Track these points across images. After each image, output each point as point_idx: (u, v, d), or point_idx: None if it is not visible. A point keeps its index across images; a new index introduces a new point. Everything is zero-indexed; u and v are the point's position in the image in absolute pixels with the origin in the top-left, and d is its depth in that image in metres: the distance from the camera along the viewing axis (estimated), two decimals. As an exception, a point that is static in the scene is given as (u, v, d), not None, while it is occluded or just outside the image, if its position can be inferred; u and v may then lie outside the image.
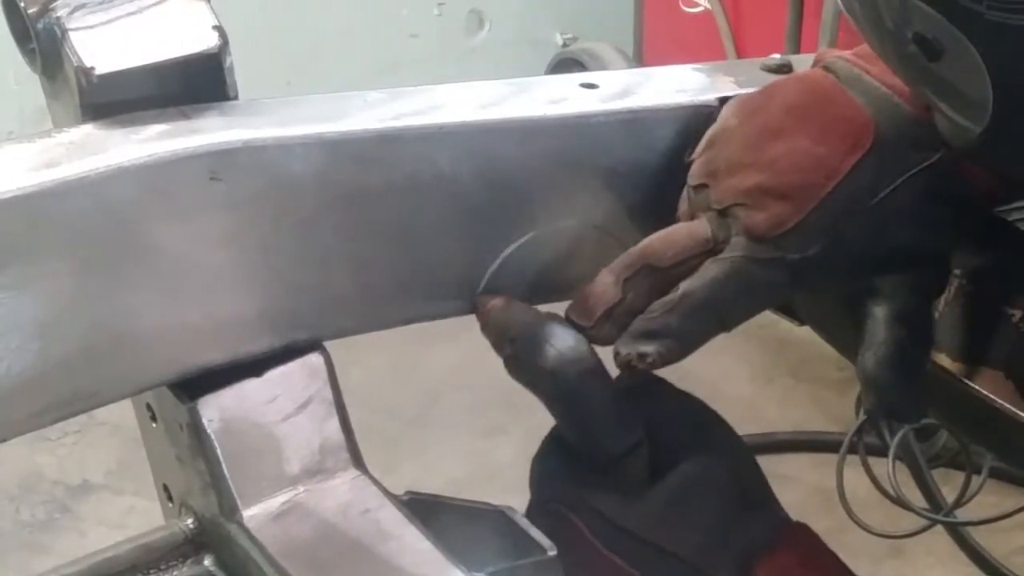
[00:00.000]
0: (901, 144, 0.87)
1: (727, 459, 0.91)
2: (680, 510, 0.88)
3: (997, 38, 0.70)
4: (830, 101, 0.90)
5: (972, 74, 0.72)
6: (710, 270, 0.88)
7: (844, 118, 0.88)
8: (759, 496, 0.92)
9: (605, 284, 0.90)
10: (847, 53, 0.92)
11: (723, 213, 0.89)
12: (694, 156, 0.95)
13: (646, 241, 0.92)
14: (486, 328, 0.93)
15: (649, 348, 0.87)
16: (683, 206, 0.94)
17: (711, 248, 0.89)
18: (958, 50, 0.71)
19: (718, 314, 0.88)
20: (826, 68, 0.93)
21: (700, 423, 0.92)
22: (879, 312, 0.89)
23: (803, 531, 0.91)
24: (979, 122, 0.75)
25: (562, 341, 0.88)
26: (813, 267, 0.87)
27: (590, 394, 0.88)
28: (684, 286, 0.88)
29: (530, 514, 0.92)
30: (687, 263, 0.89)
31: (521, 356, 0.89)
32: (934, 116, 0.83)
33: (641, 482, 0.88)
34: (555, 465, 0.92)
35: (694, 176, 0.93)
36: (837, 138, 0.88)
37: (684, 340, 0.88)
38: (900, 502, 1.01)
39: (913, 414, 0.91)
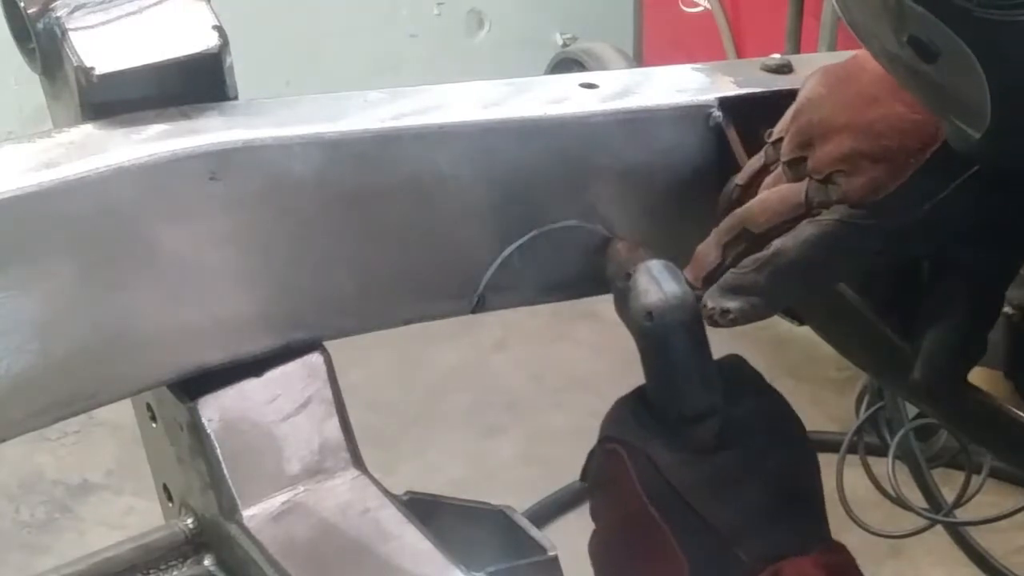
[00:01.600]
0: None
1: (791, 459, 0.91)
2: (730, 486, 0.88)
3: (989, 36, 0.69)
4: None
5: (969, 76, 0.71)
6: (804, 231, 0.88)
7: None
8: (809, 503, 0.92)
9: (709, 247, 0.92)
10: None
11: (823, 180, 0.89)
12: (777, 134, 0.94)
13: (746, 205, 0.92)
14: (610, 264, 0.95)
15: (733, 304, 0.88)
16: (779, 183, 0.94)
17: (805, 212, 0.89)
18: (953, 51, 0.70)
19: (806, 276, 0.88)
20: None
21: (778, 419, 0.92)
22: (961, 293, 0.88)
23: (840, 550, 0.91)
24: (979, 127, 0.74)
25: (670, 287, 0.90)
26: (907, 234, 0.87)
27: (681, 345, 0.90)
28: (777, 243, 0.88)
29: (592, 453, 0.94)
30: (781, 228, 0.89)
31: (630, 291, 0.91)
32: (943, 123, 0.82)
33: (704, 448, 0.89)
34: (629, 412, 0.92)
35: (788, 151, 0.92)
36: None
37: (770, 299, 0.88)
38: (900, 502, 1.01)
39: (954, 398, 0.91)
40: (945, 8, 0.69)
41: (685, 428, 0.90)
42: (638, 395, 0.93)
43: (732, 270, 0.89)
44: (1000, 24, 0.68)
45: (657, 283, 0.90)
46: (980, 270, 0.89)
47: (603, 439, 0.93)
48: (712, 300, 0.89)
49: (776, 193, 0.92)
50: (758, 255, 0.89)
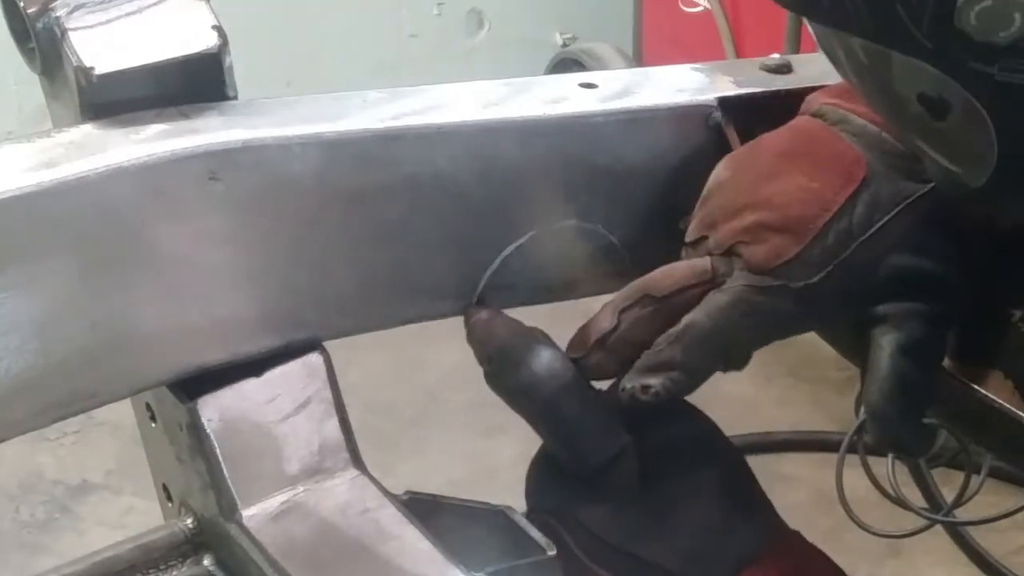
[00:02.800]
0: (894, 175, 0.88)
1: (717, 468, 0.91)
2: (664, 522, 0.89)
3: (1006, 98, 0.70)
4: (820, 141, 0.91)
5: (977, 130, 0.72)
6: (713, 300, 0.88)
7: (835, 155, 0.90)
8: (750, 503, 0.92)
9: (603, 313, 0.92)
10: (832, 98, 0.93)
11: (725, 253, 0.90)
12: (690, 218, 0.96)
13: (647, 275, 0.92)
14: (470, 341, 0.94)
15: (654, 380, 0.87)
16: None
17: (712, 281, 0.89)
18: (965, 108, 0.72)
19: (722, 344, 0.88)
20: (814, 115, 0.94)
21: (691, 430, 0.92)
22: (885, 342, 0.88)
23: (795, 539, 0.91)
24: (979, 177, 0.75)
25: (537, 360, 0.90)
26: (816, 295, 0.88)
27: (566, 410, 0.89)
28: (687, 317, 0.88)
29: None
30: (685, 293, 0.89)
31: (498, 373, 0.90)
32: (924, 163, 0.83)
33: (627, 490, 0.89)
34: (545, 476, 0.93)
35: (691, 232, 0.93)
36: (830, 174, 0.89)
37: (690, 371, 0.88)
38: (899, 502, 1.01)
39: (920, 449, 0.91)
40: (964, 72, 0.70)
41: (601, 476, 0.89)
42: (548, 455, 0.93)
43: (646, 352, 0.89)
44: (1019, 87, 0.69)
45: (522, 358, 0.89)
46: (904, 324, 0.89)
47: (531, 511, 0.92)
48: (630, 380, 0.88)
49: (683, 263, 0.92)
50: (670, 331, 0.88)
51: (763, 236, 0.88)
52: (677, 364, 0.87)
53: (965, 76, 0.70)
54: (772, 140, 0.94)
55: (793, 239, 0.87)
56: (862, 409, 0.93)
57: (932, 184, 0.87)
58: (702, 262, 0.90)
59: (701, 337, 0.88)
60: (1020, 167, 0.74)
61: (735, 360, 0.91)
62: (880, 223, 0.88)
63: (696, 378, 0.89)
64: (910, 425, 0.90)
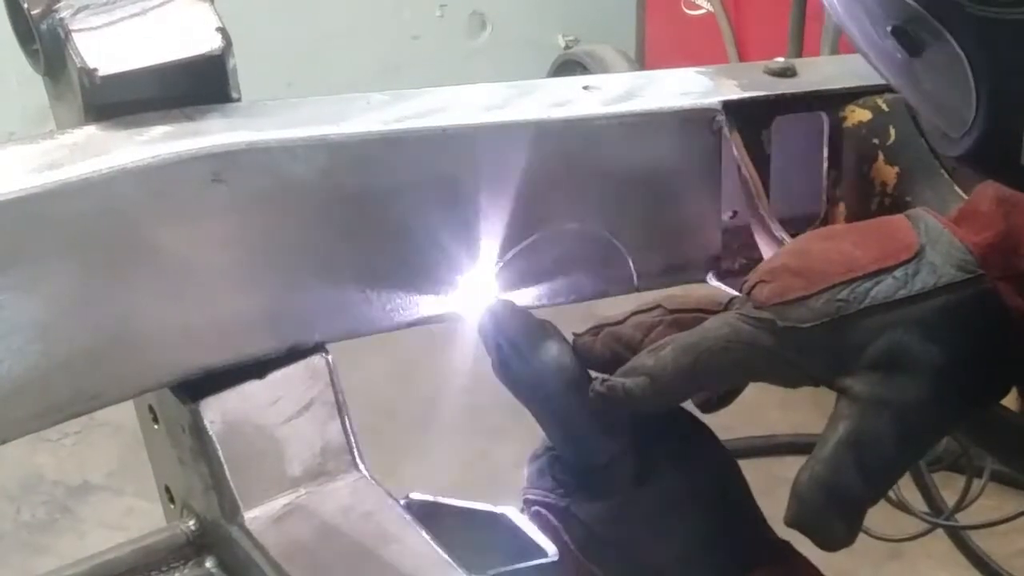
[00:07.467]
0: (940, 263, 0.85)
1: (711, 474, 0.91)
2: (659, 523, 0.88)
3: (980, 34, 0.68)
4: (887, 224, 0.90)
5: (954, 72, 0.70)
6: (705, 322, 0.88)
7: (891, 234, 0.88)
8: (742, 512, 0.92)
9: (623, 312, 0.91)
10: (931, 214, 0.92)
11: (748, 293, 0.88)
12: None
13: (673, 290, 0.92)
14: (480, 330, 0.94)
15: (620, 381, 0.87)
16: None
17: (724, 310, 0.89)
18: (939, 45, 0.70)
19: (693, 361, 0.86)
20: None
21: (687, 436, 0.92)
22: (840, 426, 0.84)
23: (785, 550, 0.91)
24: (959, 127, 0.73)
25: (546, 352, 0.89)
26: (800, 342, 0.85)
27: (570, 405, 0.88)
28: (676, 334, 0.88)
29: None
30: (695, 313, 0.89)
31: (506, 363, 0.90)
32: (921, 119, 0.81)
33: (623, 490, 0.89)
34: (543, 469, 0.92)
35: (746, 285, 0.91)
36: (876, 246, 0.86)
37: (654, 378, 0.86)
38: (901, 505, 1.01)
39: (830, 546, 0.86)
40: (936, 1, 0.68)
41: (599, 474, 0.89)
42: (547, 448, 0.92)
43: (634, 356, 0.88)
44: (993, 22, 0.67)
45: (530, 349, 0.89)
46: (867, 412, 0.84)
47: (527, 502, 0.92)
48: (612, 379, 0.87)
49: (706, 289, 0.91)
50: (657, 343, 0.88)
51: (780, 277, 0.87)
52: (645, 370, 0.87)
53: (936, 6, 0.68)
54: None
55: (804, 283, 0.85)
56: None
57: (974, 275, 0.85)
58: (721, 296, 0.90)
59: (676, 349, 0.86)
60: (1000, 117, 0.71)
61: (701, 376, 0.88)
62: (900, 295, 0.84)
63: (660, 385, 0.86)
64: (830, 521, 0.85)
